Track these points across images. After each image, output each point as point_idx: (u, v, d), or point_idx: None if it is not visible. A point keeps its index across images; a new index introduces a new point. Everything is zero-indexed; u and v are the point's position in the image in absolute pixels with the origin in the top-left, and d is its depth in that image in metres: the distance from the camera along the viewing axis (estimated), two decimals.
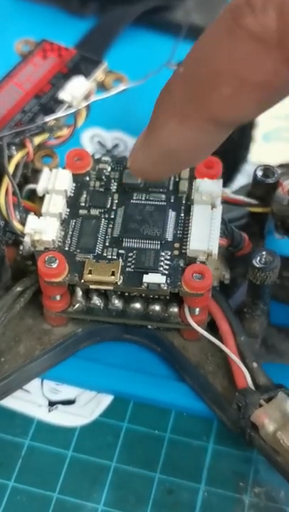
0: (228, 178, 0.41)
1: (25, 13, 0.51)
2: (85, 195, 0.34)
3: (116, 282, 0.32)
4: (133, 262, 0.32)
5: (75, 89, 0.37)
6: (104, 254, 0.33)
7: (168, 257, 0.32)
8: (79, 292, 0.33)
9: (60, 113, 0.36)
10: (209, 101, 0.26)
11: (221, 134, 0.27)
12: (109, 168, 0.35)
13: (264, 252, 0.31)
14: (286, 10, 0.23)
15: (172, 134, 0.27)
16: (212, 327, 0.34)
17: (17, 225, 0.33)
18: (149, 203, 0.34)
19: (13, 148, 0.34)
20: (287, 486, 0.31)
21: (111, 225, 0.33)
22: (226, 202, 0.34)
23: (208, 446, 0.34)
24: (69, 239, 0.33)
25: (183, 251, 0.32)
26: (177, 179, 0.35)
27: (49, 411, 0.35)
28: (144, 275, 0.32)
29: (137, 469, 0.33)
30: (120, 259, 0.32)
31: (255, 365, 0.33)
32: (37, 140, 0.35)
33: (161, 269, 0.32)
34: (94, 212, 0.34)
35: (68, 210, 0.34)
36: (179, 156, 0.28)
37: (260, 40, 0.24)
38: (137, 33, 0.49)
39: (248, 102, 0.25)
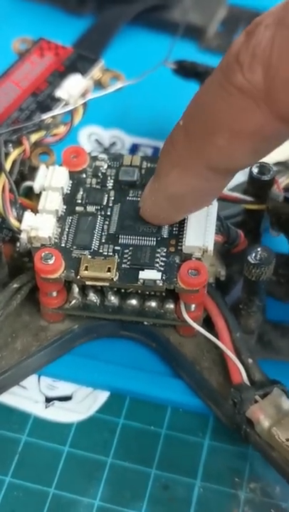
0: None
1: (23, 12, 0.51)
2: (81, 193, 0.35)
3: (112, 279, 0.32)
4: (129, 258, 0.32)
5: (72, 87, 0.37)
6: (101, 251, 0.33)
7: (164, 254, 0.32)
8: (75, 289, 0.33)
9: (56, 111, 0.36)
10: (207, 151, 0.28)
11: (222, 180, 0.29)
12: (105, 166, 0.35)
13: (259, 249, 0.31)
14: (272, 67, 0.25)
15: (176, 182, 0.29)
16: (208, 323, 0.34)
17: (14, 222, 0.33)
18: None
19: (10, 145, 0.34)
20: (283, 481, 0.31)
21: (107, 222, 0.34)
22: (222, 199, 0.34)
23: (203, 442, 0.34)
24: (65, 235, 0.33)
25: (178, 247, 0.32)
26: None
27: (46, 407, 0.35)
28: (140, 271, 0.32)
29: (133, 465, 0.33)
30: (116, 256, 0.32)
31: (250, 361, 0.33)
32: (34, 137, 0.35)
33: (157, 265, 0.32)
34: (90, 209, 0.34)
35: (65, 207, 0.34)
36: (184, 202, 0.31)
37: (249, 95, 0.25)
38: (134, 32, 0.49)
39: (242, 152, 0.27)
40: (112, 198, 0.34)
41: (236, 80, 0.25)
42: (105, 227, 0.33)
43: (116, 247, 0.33)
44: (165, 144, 0.30)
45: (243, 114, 0.26)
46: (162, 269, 0.32)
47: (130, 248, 0.33)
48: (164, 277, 0.32)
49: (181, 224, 0.33)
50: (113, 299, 0.33)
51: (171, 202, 0.31)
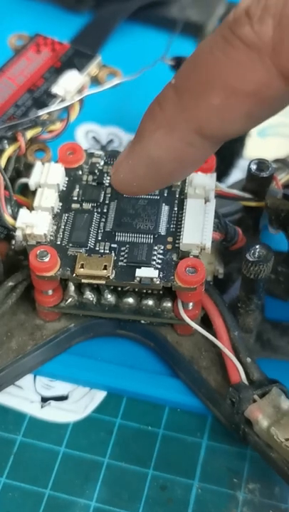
0: (223, 173, 0.41)
1: (20, 8, 0.51)
2: (77, 189, 0.34)
3: (108, 276, 0.31)
4: (126, 256, 0.32)
5: (69, 84, 0.36)
6: (97, 249, 0.32)
7: (161, 251, 0.32)
8: (71, 287, 0.33)
9: (53, 107, 0.36)
10: (198, 111, 0.26)
11: (208, 148, 0.27)
12: (102, 162, 0.35)
13: (257, 246, 0.31)
14: (284, 19, 0.24)
15: (159, 145, 0.27)
16: (206, 322, 0.34)
17: (9, 219, 0.33)
18: (142, 197, 0.34)
19: (5, 142, 0.34)
20: (282, 482, 0.31)
21: (103, 219, 0.33)
22: (220, 196, 0.34)
23: (202, 442, 0.33)
24: (61, 233, 0.33)
25: (176, 245, 0.32)
26: None
27: (42, 407, 0.34)
28: (137, 269, 0.31)
29: (130, 465, 0.33)
30: (113, 253, 0.32)
31: (248, 360, 0.32)
32: (29, 134, 0.34)
33: (154, 263, 0.32)
34: (86, 206, 0.34)
35: (61, 204, 0.34)
36: (163, 169, 0.28)
37: (255, 49, 0.24)
38: (132, 28, 0.49)
39: (237, 114, 0.26)
40: (109, 195, 0.34)
41: (243, 32, 0.25)
42: (102, 224, 0.33)
43: (112, 245, 0.32)
44: (151, 104, 0.28)
45: (245, 69, 0.25)
46: (159, 266, 0.32)
47: (127, 246, 0.32)
48: (161, 275, 0.31)
49: (179, 221, 0.33)
50: (110, 298, 0.33)
51: (148, 168, 0.28)
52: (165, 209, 0.33)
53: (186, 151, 0.27)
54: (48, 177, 0.34)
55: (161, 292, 0.33)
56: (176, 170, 0.28)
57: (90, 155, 0.35)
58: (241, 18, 0.25)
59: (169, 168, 0.28)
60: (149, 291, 0.33)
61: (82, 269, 0.31)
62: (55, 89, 0.36)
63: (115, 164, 0.30)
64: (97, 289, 0.33)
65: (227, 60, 0.25)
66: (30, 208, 0.33)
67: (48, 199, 0.33)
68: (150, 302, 0.33)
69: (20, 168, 0.35)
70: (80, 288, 0.33)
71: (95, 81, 0.38)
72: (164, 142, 0.27)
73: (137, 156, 0.28)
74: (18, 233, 0.32)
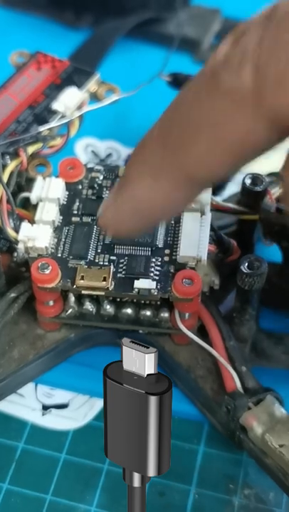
0: (219, 186, 0.42)
1: (20, 25, 0.51)
2: (77, 203, 0.35)
3: (107, 288, 0.32)
4: (124, 268, 0.33)
5: (68, 100, 0.37)
6: (96, 261, 0.33)
7: (158, 263, 0.33)
8: (71, 298, 0.34)
9: (53, 123, 0.36)
10: (185, 158, 0.26)
11: (195, 190, 0.27)
12: (101, 177, 0.36)
13: (251, 258, 0.32)
14: (262, 65, 0.23)
15: (146, 190, 0.27)
16: (202, 332, 0.34)
17: (11, 233, 0.33)
18: None
19: (8, 157, 0.35)
20: (276, 487, 0.31)
21: (103, 232, 0.34)
22: (216, 209, 0.35)
23: (199, 448, 0.34)
24: (62, 246, 0.34)
25: (173, 257, 0.33)
26: None
27: (43, 415, 0.35)
28: (135, 281, 0.32)
29: None
30: (112, 265, 0.33)
31: (244, 368, 0.33)
32: (31, 149, 0.35)
33: (152, 274, 0.33)
34: (86, 219, 0.35)
35: (61, 217, 0.35)
36: (153, 213, 0.28)
37: (236, 97, 0.24)
38: (129, 45, 0.50)
39: (224, 160, 0.25)
40: None
41: (223, 81, 0.24)
42: (101, 237, 0.34)
43: (111, 257, 0.33)
44: (136, 149, 0.28)
45: (227, 118, 0.24)
46: (157, 278, 0.32)
47: (125, 258, 0.33)
48: (158, 286, 0.32)
49: (176, 234, 0.34)
50: (109, 308, 0.34)
51: (137, 212, 0.28)
52: (162, 222, 0.34)
53: (173, 195, 0.27)
54: (48, 191, 0.34)
55: (158, 303, 0.34)
56: (162, 212, 0.28)
57: (90, 170, 0.36)
58: (220, 66, 0.24)
59: (159, 211, 0.28)
60: (147, 302, 0.34)
61: (82, 281, 0.32)
62: (56, 105, 0.37)
63: (103, 206, 0.30)
64: (96, 300, 0.34)
65: (210, 109, 0.25)
66: (32, 222, 0.34)
67: (49, 213, 0.34)
68: (148, 312, 0.34)
69: (22, 182, 0.36)
70: (80, 299, 0.34)
71: (94, 97, 0.39)
72: (151, 188, 0.27)
73: (125, 203, 0.28)
74: (20, 246, 0.33)
